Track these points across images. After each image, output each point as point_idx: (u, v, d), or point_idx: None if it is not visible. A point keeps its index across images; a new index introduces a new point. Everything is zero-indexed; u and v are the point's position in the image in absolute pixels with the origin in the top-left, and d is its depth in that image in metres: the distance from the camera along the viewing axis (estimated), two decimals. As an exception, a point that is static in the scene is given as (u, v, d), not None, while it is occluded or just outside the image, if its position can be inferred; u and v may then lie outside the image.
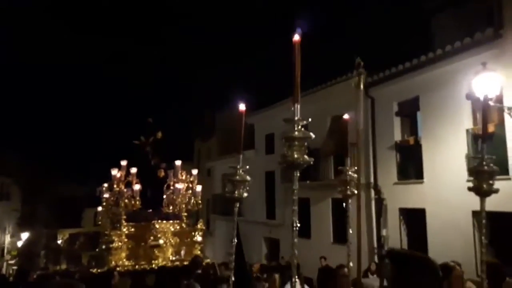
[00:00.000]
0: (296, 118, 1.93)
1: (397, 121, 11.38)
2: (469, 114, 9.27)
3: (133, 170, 8.30)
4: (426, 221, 10.01)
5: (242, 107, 2.33)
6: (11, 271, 28.37)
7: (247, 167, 2.36)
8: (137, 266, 7.61)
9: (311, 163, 1.85)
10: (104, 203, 8.31)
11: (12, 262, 29.54)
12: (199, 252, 8.26)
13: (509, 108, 7.74)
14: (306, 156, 1.87)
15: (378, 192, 11.61)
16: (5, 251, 29.42)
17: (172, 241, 8.16)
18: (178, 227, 8.47)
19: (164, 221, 8.30)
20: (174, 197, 8.42)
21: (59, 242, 37.46)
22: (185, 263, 7.70)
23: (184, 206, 8.48)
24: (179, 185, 8.48)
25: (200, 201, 8.76)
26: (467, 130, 9.16)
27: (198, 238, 8.38)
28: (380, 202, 11.54)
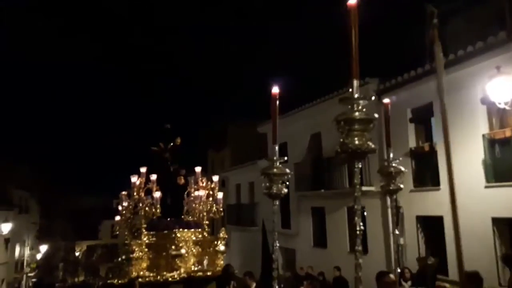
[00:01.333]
0: (356, 96, 1.55)
1: (411, 128, 11.27)
2: (484, 118, 9.13)
3: (153, 177, 8.09)
4: (444, 229, 9.83)
5: (275, 89, 2.06)
6: (30, 284, 28.75)
7: (285, 158, 2.08)
8: (158, 277, 7.34)
9: (375, 151, 1.56)
10: (124, 211, 8.11)
11: (31, 274, 29.95)
12: (222, 262, 7.97)
13: (526, 112, 7.62)
14: (370, 143, 1.53)
15: (394, 200, 11.44)
16: (25, 263, 29.86)
17: (194, 250, 7.88)
18: (200, 236, 8.17)
19: (186, 230, 8.00)
20: (195, 205, 8.18)
21: (77, 254, 37.87)
22: (208, 273, 7.51)
23: (205, 214, 8.22)
24: (200, 192, 8.22)
25: (221, 209, 8.49)
26: (483, 135, 9.01)
27: (221, 248, 8.05)
28: (396, 210, 11.39)
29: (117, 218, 8.75)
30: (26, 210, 29.87)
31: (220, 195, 8.48)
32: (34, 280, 28.69)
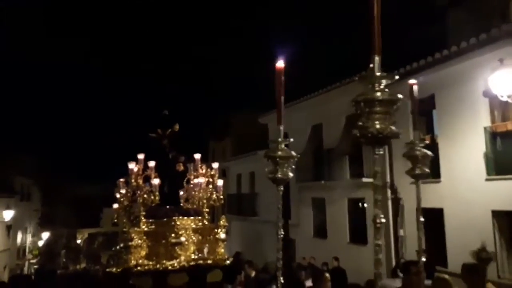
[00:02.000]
0: (378, 74, 1.40)
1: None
2: (486, 111, 9.09)
3: (152, 163, 7.81)
4: (444, 221, 9.86)
5: (280, 64, 1.91)
6: (32, 270, 29.07)
7: (291, 139, 1.96)
8: (158, 265, 7.20)
9: (398, 136, 1.44)
10: (122, 199, 7.96)
11: (33, 261, 30.27)
12: (222, 250, 7.84)
13: (528, 105, 7.58)
14: (393, 127, 1.38)
15: (394, 191, 11.49)
16: (27, 250, 30.15)
17: (194, 238, 7.72)
18: (200, 224, 8.01)
19: (185, 218, 7.84)
20: (195, 192, 7.99)
21: (78, 241, 38.20)
22: (209, 261, 7.45)
23: (205, 201, 8.03)
24: (200, 179, 8.02)
25: (222, 197, 8.29)
26: (485, 128, 8.98)
27: (222, 236, 7.85)
28: (396, 201, 11.42)
29: (115, 205, 8.58)
30: (28, 198, 30.04)
31: (220, 182, 8.30)
32: (36, 266, 29.00)
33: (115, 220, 8.99)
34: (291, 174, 1.94)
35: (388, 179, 11.71)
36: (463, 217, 9.30)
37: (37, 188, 31.97)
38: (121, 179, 8.08)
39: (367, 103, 1.37)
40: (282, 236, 1.99)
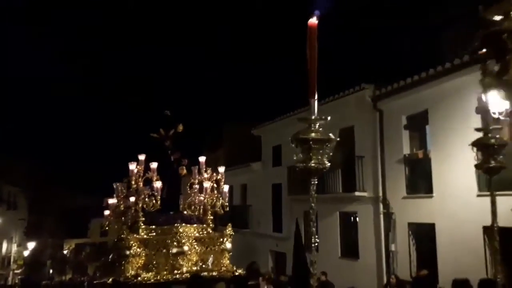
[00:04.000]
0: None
1: (406, 135, 11.28)
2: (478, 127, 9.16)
3: (153, 165, 7.20)
4: (436, 236, 9.84)
5: (313, 21, 1.60)
6: (16, 281, 28.37)
7: (328, 118, 1.69)
8: (158, 277, 6.52)
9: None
10: (121, 202, 7.35)
11: (18, 271, 29.57)
12: (228, 262, 7.19)
13: (520, 122, 7.64)
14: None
15: (386, 206, 11.46)
16: (12, 260, 29.46)
17: (197, 248, 7.05)
18: (203, 232, 7.36)
19: (188, 225, 7.21)
20: (200, 197, 7.34)
21: (65, 252, 37.46)
22: (214, 273, 6.81)
23: (209, 208, 7.43)
24: (205, 184, 7.35)
25: (227, 203, 7.70)
26: (477, 144, 9.04)
27: (228, 245, 7.21)
28: (388, 216, 11.39)
29: (107, 212, 7.99)
30: (15, 206, 29.51)
31: (226, 188, 7.67)
32: (20, 277, 28.33)
33: (106, 228, 8.47)
34: (327, 163, 1.68)
35: (380, 194, 11.69)
36: (454, 232, 9.29)
37: (24, 196, 31.44)
38: (118, 183, 7.54)
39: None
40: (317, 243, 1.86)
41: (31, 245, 32.02)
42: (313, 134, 1.54)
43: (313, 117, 1.57)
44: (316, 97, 1.60)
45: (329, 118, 1.62)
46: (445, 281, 9.11)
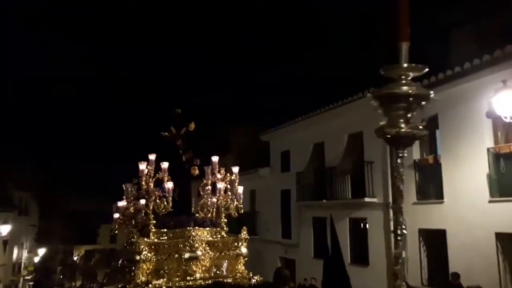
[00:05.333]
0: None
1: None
2: (490, 132, 9.05)
3: (164, 165, 6.80)
4: (447, 242, 9.70)
5: None
6: (27, 287, 28.59)
7: (426, 68, 1.36)
8: (170, 283, 6.15)
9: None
10: (131, 204, 7.07)
11: (28, 277, 29.79)
12: (243, 267, 6.76)
13: (532, 127, 7.53)
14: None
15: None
16: (22, 266, 29.71)
17: (210, 252, 6.67)
18: (217, 236, 6.97)
19: (201, 229, 6.81)
20: (213, 199, 7.01)
21: (75, 258, 37.68)
22: (229, 280, 6.45)
23: (223, 210, 7.04)
24: (219, 185, 6.97)
25: (241, 205, 7.26)
26: (488, 149, 8.92)
27: (243, 250, 6.79)
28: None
29: (116, 215, 7.69)
30: (26, 212, 29.78)
31: (240, 189, 7.22)
32: (31, 283, 28.53)
33: (116, 232, 8.09)
34: (425, 132, 1.34)
35: (390, 200, 11.57)
36: (466, 238, 9.15)
37: (35, 202, 31.74)
38: (127, 184, 7.29)
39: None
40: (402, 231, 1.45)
41: (42, 251, 32.28)
42: (405, 88, 1.14)
43: (405, 65, 1.16)
44: (408, 42, 1.22)
45: (426, 69, 1.20)
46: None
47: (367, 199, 12.10)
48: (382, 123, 1.23)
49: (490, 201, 8.75)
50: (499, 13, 9.92)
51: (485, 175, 8.91)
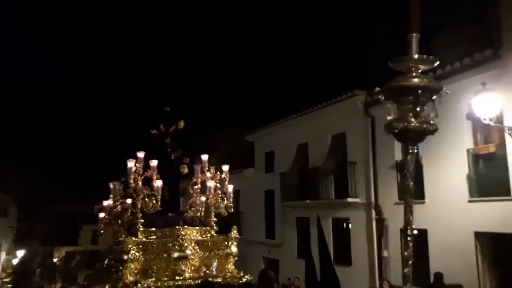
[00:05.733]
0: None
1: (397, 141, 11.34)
2: (469, 134, 9.26)
3: (153, 162, 6.70)
4: (428, 242, 9.87)
5: None
6: (5, 290, 27.89)
7: (437, 61, 1.34)
8: (158, 283, 6.07)
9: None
10: (118, 203, 6.92)
11: (6, 280, 29.07)
12: (233, 267, 6.73)
13: (509, 128, 7.72)
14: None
15: (379, 212, 11.49)
16: (0, 268, 28.98)
17: (200, 252, 6.63)
18: (207, 235, 6.93)
19: (190, 228, 6.76)
20: (202, 198, 6.96)
21: (55, 260, 36.95)
22: (218, 280, 6.38)
23: (213, 209, 6.99)
24: (209, 183, 6.92)
25: (231, 204, 7.22)
26: (468, 150, 9.12)
27: (233, 249, 6.78)
28: (381, 222, 11.41)
29: (102, 215, 7.56)
30: (4, 214, 29.10)
31: (230, 187, 7.24)
32: (9, 286, 27.85)
33: (102, 232, 7.96)
34: (435, 127, 1.28)
35: (372, 200, 11.71)
36: (446, 238, 9.33)
37: (14, 203, 31.02)
38: (114, 182, 7.18)
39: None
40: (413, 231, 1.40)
41: (20, 253, 31.55)
42: (416, 80, 1.11)
43: (416, 57, 1.12)
44: (419, 34, 1.18)
45: (437, 62, 1.14)
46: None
47: (350, 199, 12.23)
48: (390, 117, 1.22)
49: (469, 201, 8.95)
50: (480, 18, 10.17)
51: (464, 175, 9.11)
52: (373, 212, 11.63)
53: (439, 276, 8.49)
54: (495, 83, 7.75)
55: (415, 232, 1.28)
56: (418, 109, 1.16)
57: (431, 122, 1.18)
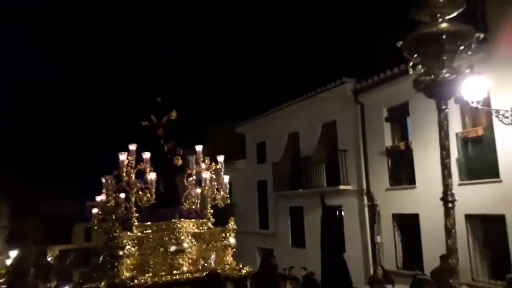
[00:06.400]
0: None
1: (387, 127, 11.40)
2: (458, 117, 9.33)
3: (146, 155, 6.50)
4: (420, 226, 9.99)
5: None
6: (-1, 291, 27.69)
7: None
8: (156, 278, 5.95)
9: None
10: (111, 198, 6.77)
11: (0, 281, 28.86)
12: (231, 258, 6.61)
13: (496, 111, 7.79)
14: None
15: (370, 198, 11.58)
16: (-6, 270, 28.75)
17: (197, 244, 6.53)
18: (204, 228, 6.81)
19: (187, 220, 6.65)
20: (197, 190, 6.81)
21: (49, 259, 36.75)
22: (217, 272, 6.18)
23: (209, 201, 6.83)
24: (204, 174, 6.75)
25: (227, 195, 7.06)
26: (457, 134, 9.20)
27: (231, 241, 6.65)
28: (373, 208, 11.51)
29: (95, 210, 7.40)
30: (-5, 214, 28.76)
31: (226, 178, 7.09)
32: (4, 286, 27.66)
33: (95, 228, 7.83)
34: (468, 77, 1.12)
35: (364, 186, 11.80)
36: (438, 222, 9.36)
37: (5, 203, 30.67)
38: (106, 176, 6.99)
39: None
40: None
41: (14, 253, 31.30)
42: (443, 26, 0.95)
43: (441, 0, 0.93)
44: None
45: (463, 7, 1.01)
46: (430, 270, 9.27)
47: (341, 187, 12.30)
48: (413, 72, 1.09)
49: (459, 184, 9.03)
50: (465, 2, 10.16)
51: (454, 159, 9.19)
52: (365, 198, 11.72)
53: (445, 258, 8.15)
54: (482, 66, 7.79)
55: (456, 198, 1.17)
56: (445, 58, 1.07)
57: (467, 71, 1.02)
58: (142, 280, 5.85)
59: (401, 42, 1.16)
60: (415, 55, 1.10)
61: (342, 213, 12.81)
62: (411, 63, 1.11)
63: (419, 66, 1.07)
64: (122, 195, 6.91)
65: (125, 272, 5.98)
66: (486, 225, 8.92)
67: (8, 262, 31.06)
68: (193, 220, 6.79)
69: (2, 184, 28.39)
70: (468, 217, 8.88)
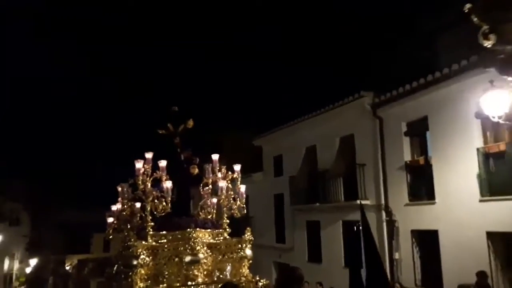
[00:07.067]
0: None
1: (406, 141, 11.27)
2: (479, 132, 9.17)
3: (162, 163, 6.41)
4: (439, 242, 9.77)
5: None
6: (19, 298, 28.11)
7: None
8: None
9: None
10: (125, 206, 6.75)
11: (20, 288, 29.32)
12: (247, 271, 6.45)
13: (519, 126, 7.64)
14: None
15: (389, 213, 11.40)
16: (14, 277, 29.24)
17: (213, 255, 6.39)
18: (221, 238, 6.68)
19: (202, 230, 6.52)
20: (213, 199, 6.74)
21: (67, 268, 37.21)
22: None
23: (225, 210, 6.73)
24: (220, 183, 6.64)
25: (244, 205, 6.95)
26: (478, 149, 9.03)
27: (248, 252, 6.47)
28: (391, 224, 11.32)
29: (110, 219, 7.42)
30: (17, 223, 29.37)
31: (243, 188, 6.94)
32: (23, 294, 28.09)
33: (110, 237, 7.84)
34: None
35: (382, 201, 11.64)
36: (458, 238, 9.22)
37: (26, 213, 31.34)
38: (122, 184, 7.01)
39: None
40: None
41: (33, 261, 31.84)
42: None
43: None
44: None
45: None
46: (449, 286, 9.03)
47: (359, 202, 12.14)
48: (487, 44, 0.96)
49: (480, 201, 8.84)
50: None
51: (475, 175, 9.01)
52: (384, 214, 11.55)
53: (482, 275, 8.10)
54: (503, 80, 7.68)
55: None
56: None
57: None
58: None
59: (469, 5, 1.05)
60: (486, 21, 0.95)
61: (360, 228, 12.62)
62: (482, 30, 0.96)
63: (491, 35, 0.95)
64: (138, 204, 6.89)
65: (139, 282, 5.89)
66: (509, 243, 8.67)
67: (28, 270, 31.58)
68: (209, 230, 6.68)
69: (22, 193, 29.07)
70: (490, 235, 8.66)
